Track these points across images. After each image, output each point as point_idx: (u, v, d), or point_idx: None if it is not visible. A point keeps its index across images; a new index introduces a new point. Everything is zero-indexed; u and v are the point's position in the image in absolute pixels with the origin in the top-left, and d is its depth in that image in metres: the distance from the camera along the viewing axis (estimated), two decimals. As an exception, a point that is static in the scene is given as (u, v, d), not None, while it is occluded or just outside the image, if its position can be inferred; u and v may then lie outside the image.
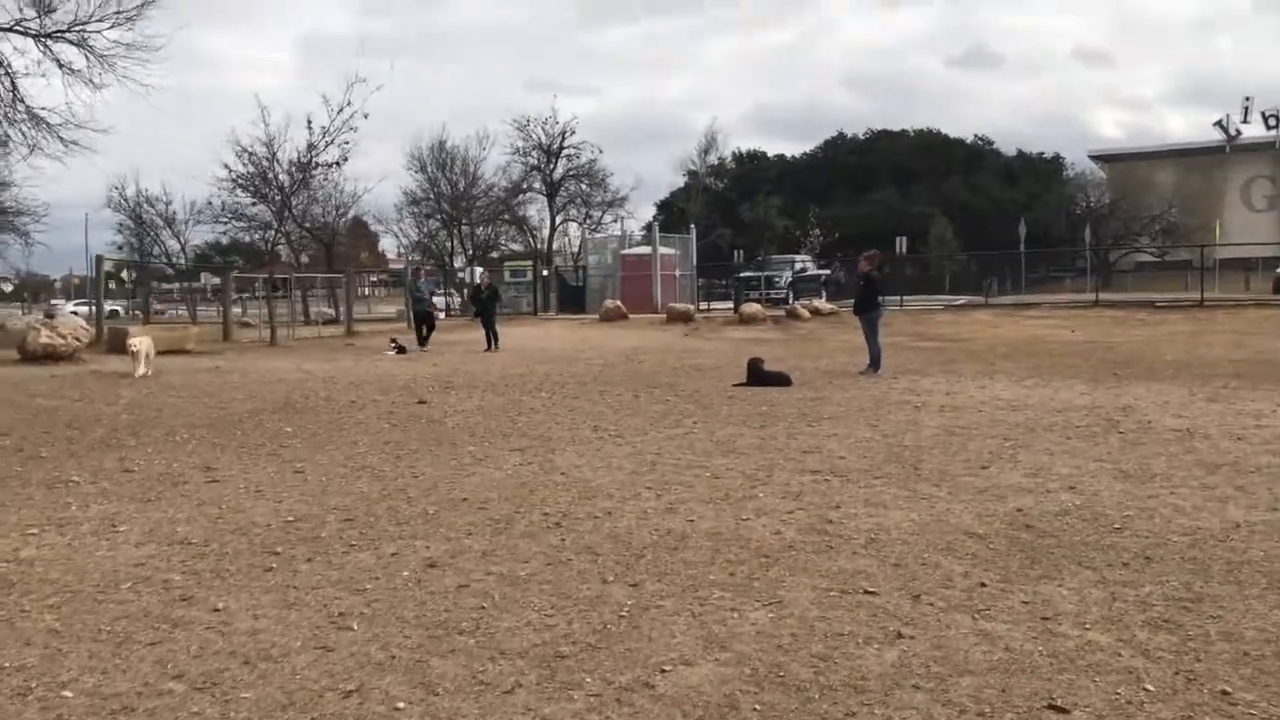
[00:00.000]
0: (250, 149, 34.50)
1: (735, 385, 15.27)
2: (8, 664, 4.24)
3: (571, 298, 41.06)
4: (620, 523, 6.75)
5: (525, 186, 49.60)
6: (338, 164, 33.81)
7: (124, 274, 45.47)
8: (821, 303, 37.21)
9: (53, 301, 70.92)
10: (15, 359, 18.91)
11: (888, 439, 10.02)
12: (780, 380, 15.31)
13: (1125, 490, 7.52)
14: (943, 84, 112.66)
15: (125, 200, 41.16)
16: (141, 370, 16.31)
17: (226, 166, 34.95)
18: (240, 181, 37.86)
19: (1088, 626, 4.70)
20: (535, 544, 6.22)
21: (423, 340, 24.77)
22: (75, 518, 6.94)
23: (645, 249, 39.56)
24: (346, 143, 32.23)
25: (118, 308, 56.33)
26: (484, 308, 25.65)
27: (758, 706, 3.84)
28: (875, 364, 17.05)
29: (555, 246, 53.32)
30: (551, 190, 49.76)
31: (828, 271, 47.25)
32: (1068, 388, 14.14)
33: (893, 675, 4.13)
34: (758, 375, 15.40)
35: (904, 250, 48.11)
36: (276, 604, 5.10)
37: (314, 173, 33.28)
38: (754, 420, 11.47)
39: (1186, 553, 5.87)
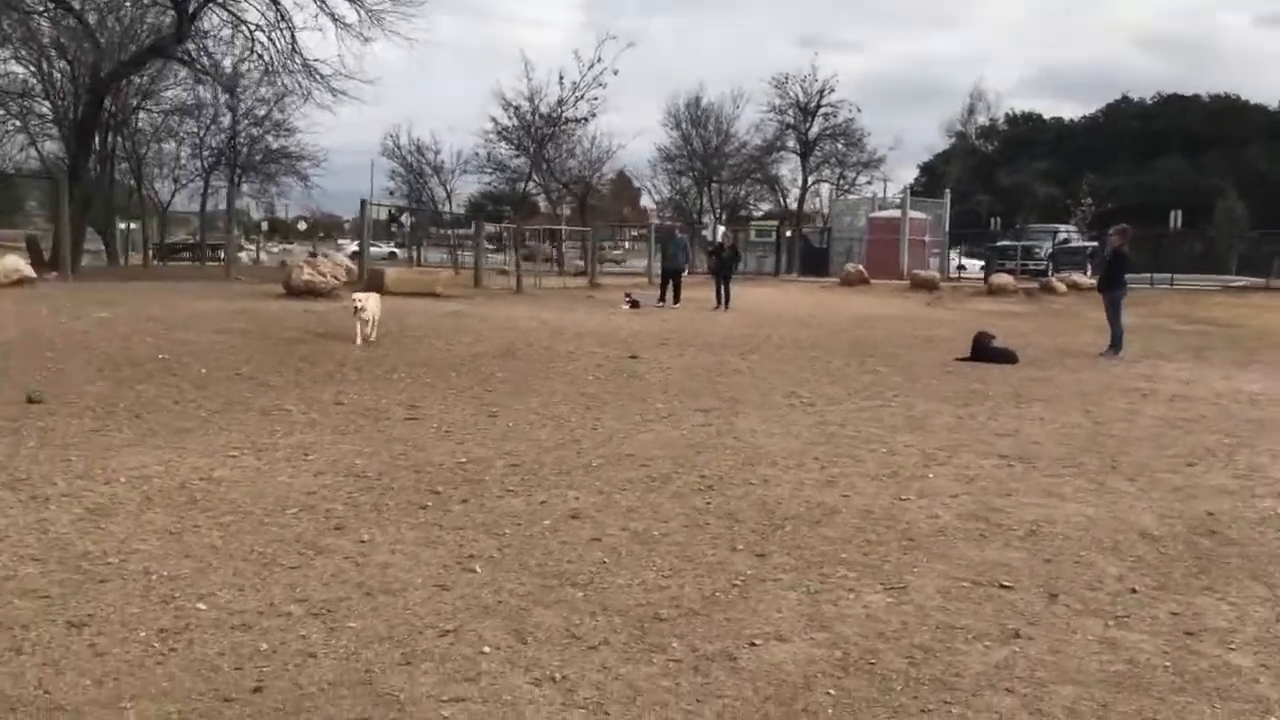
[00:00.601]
0: (514, 103, 35.88)
1: (957, 359, 14.76)
2: (165, 573, 4.71)
3: (815, 260, 40.58)
4: (773, 491, 6.71)
5: (779, 145, 49.09)
6: (586, 119, 34.67)
7: (400, 218, 48.50)
8: (1083, 277, 35.12)
9: (339, 241, 76.44)
10: (281, 294, 20.56)
11: (1097, 427, 9.45)
12: (1006, 357, 14.66)
13: (1350, 503, 6.79)
14: (1249, 44, 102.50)
15: (398, 148, 43.76)
16: (360, 339, 13.55)
17: (493, 119, 36.51)
18: (504, 134, 39.37)
19: (1233, 647, 4.33)
20: (680, 505, 6.29)
21: (663, 297, 25.08)
22: (274, 444, 7.56)
23: (894, 212, 38.50)
24: (595, 98, 33.01)
25: (396, 251, 60.20)
26: (723, 266, 25.70)
27: (833, 691, 3.78)
28: (1116, 345, 16.04)
29: (806, 207, 52.67)
30: (805, 149, 49.08)
31: (1094, 244, 44.52)
32: (1330, 384, 12.81)
33: (990, 675, 3.96)
34: (983, 351, 14.80)
35: (1178, 225, 44.45)
36: (418, 541, 5.40)
37: (563, 127, 34.18)
38: (960, 398, 11.07)
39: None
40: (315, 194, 43.52)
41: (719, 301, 25.04)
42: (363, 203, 25.41)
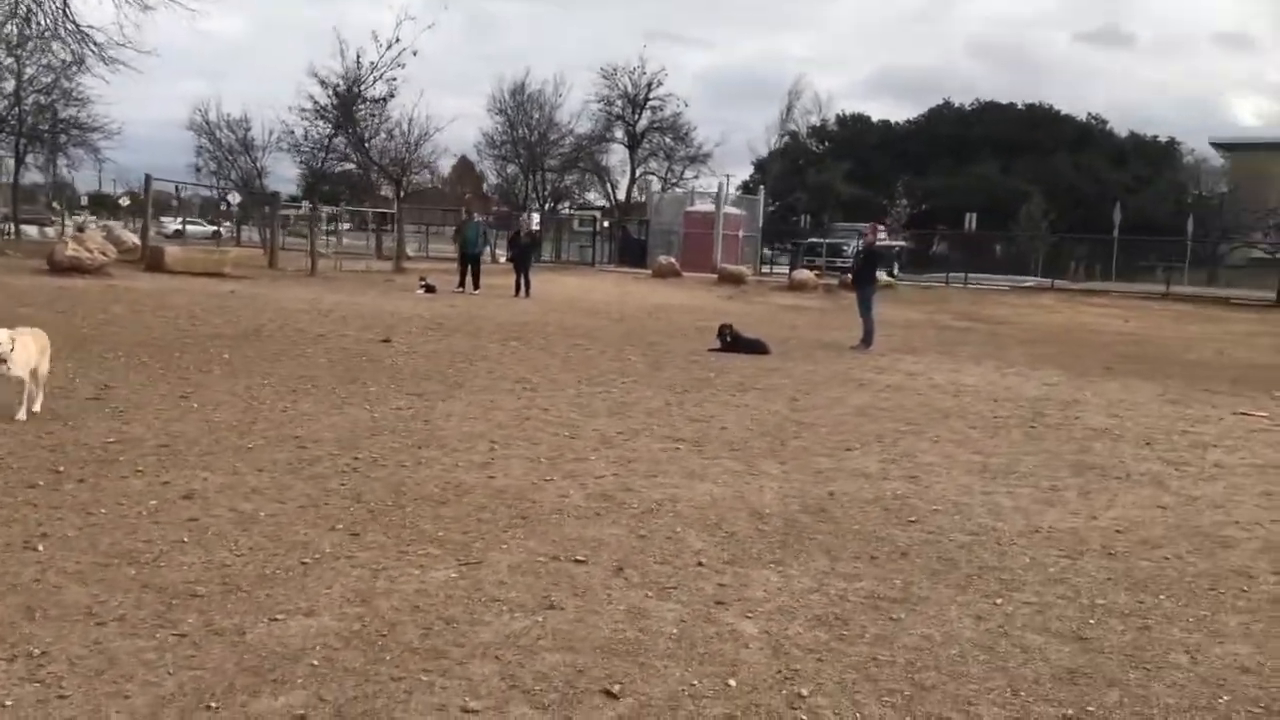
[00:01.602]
0: (328, 81, 35.06)
1: (711, 350, 15.12)
2: None
3: (633, 252, 40.99)
4: (419, 473, 6.77)
5: (607, 135, 49.36)
6: (384, 100, 34.14)
7: (227, 198, 46.73)
8: (884, 275, 36.40)
9: (163, 219, 73.27)
10: (43, 269, 19.66)
11: (793, 414, 9.85)
12: (756, 348, 15.10)
13: (965, 485, 7.28)
14: (1067, 58, 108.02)
15: (207, 123, 42.23)
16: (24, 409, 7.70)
17: (311, 97, 35.57)
18: (321, 112, 38.41)
19: (750, 616, 4.59)
20: (312, 486, 6.29)
21: (462, 283, 24.95)
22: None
23: (709, 207, 39.16)
24: (394, 79, 32.54)
25: (221, 230, 58.11)
26: (521, 254, 25.73)
27: (317, 661, 3.85)
28: (868, 340, 16.73)
29: (635, 199, 53.12)
30: (633, 141, 49.47)
31: (901, 243, 46.31)
32: (1044, 378, 13.68)
33: (491, 645, 4.11)
34: (734, 341, 15.20)
35: (973, 226, 46.69)
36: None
37: (359, 107, 33.59)
38: (684, 386, 11.37)
39: (955, 551, 5.66)
40: (108, 167, 41.49)
41: (518, 289, 25.07)
42: (147, 177, 24.47)
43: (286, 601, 4.41)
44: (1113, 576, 5.42)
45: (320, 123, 34.53)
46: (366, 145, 39.39)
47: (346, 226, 52.64)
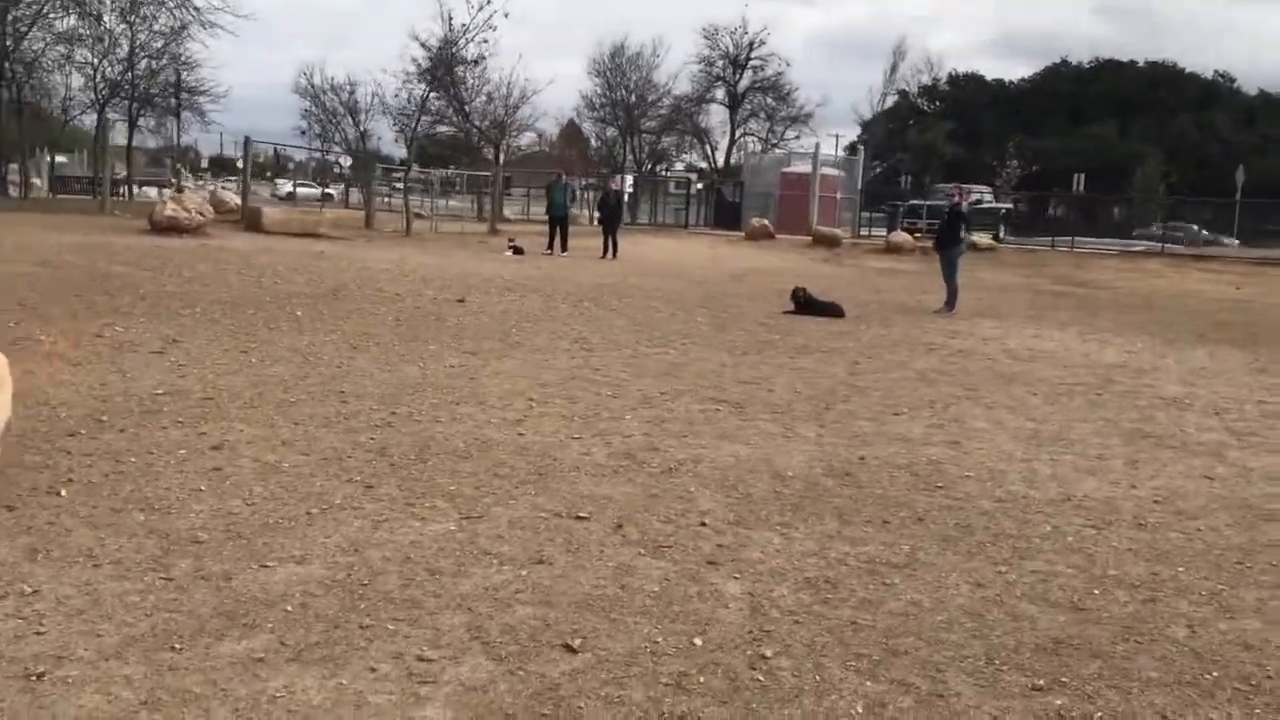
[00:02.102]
0: (426, 42, 35.39)
1: (785, 313, 14.97)
2: None
3: (728, 214, 40.70)
4: (452, 428, 6.88)
5: (708, 96, 48.98)
6: (476, 62, 34.24)
7: (340, 160, 47.76)
8: (984, 238, 35.55)
9: (277, 180, 75.45)
10: (144, 229, 20.41)
11: (848, 378, 9.72)
12: (831, 310, 14.92)
13: (1007, 452, 7.11)
14: (1195, 14, 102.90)
15: (311, 86, 43.06)
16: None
17: (414, 60, 35.94)
18: (422, 74, 38.84)
19: (738, 577, 4.57)
20: (342, 439, 6.44)
21: (551, 245, 25.12)
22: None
23: (806, 168, 38.63)
24: (485, 40, 32.58)
25: (331, 192, 59.60)
26: (609, 216, 25.79)
27: (291, 607, 3.95)
28: (950, 303, 16.38)
29: (735, 161, 52.67)
30: (734, 102, 49.00)
31: (1008, 205, 45.05)
32: (1127, 345, 13.23)
33: (468, 596, 4.16)
34: (808, 304, 15.03)
35: (1081, 187, 45.07)
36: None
37: (456, 69, 33.84)
38: (746, 348, 11.31)
39: (975, 518, 5.55)
40: (217, 130, 42.69)
41: (606, 251, 25.14)
42: (246, 140, 25.18)
43: (282, 550, 4.53)
44: (1135, 547, 5.24)
45: (419, 85, 34.98)
46: (466, 108, 39.77)
47: (455, 189, 53.40)
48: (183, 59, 36.42)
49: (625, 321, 13.01)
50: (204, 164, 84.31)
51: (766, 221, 34.42)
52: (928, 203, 39.83)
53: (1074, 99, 71.42)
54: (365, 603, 4.01)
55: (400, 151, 49.44)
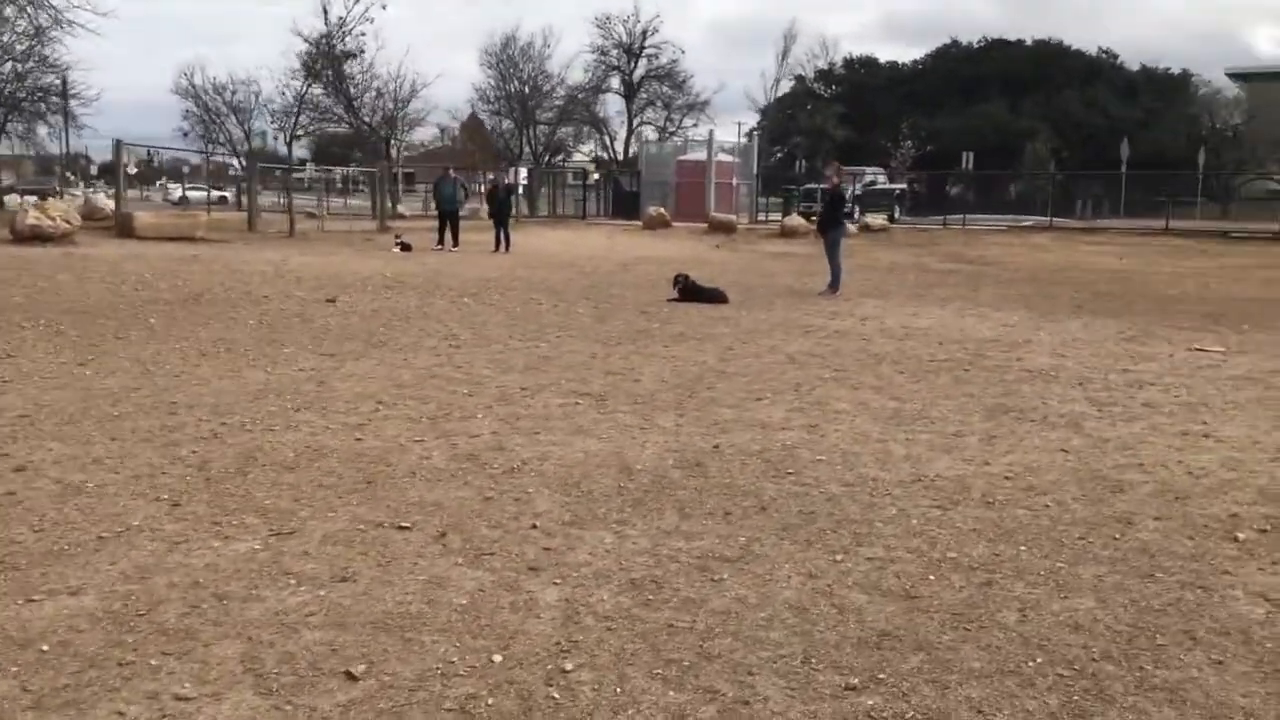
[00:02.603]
0: (308, 37, 34.51)
1: (669, 300, 14.75)
2: None
3: (626, 204, 40.45)
4: (285, 437, 6.50)
5: (603, 86, 48.65)
6: (354, 55, 33.51)
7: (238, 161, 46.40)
8: (879, 219, 35.90)
9: (169, 184, 73.28)
10: (6, 239, 19.44)
11: (719, 365, 9.52)
12: (714, 297, 14.75)
13: (864, 433, 6.95)
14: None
15: (193, 87, 41.80)
16: None
17: (297, 55, 34.99)
18: (308, 69, 37.89)
19: (559, 582, 4.28)
20: (161, 454, 6.04)
21: (441, 240, 24.62)
22: None
23: (702, 155, 38.55)
24: (363, 34, 31.83)
25: (226, 195, 58.03)
26: (500, 209, 25.38)
27: (47, 648, 3.57)
28: (834, 284, 16.33)
29: (635, 151, 52.46)
30: (630, 91, 48.74)
31: (902, 186, 45.60)
32: (1005, 319, 13.28)
33: (250, 622, 3.81)
34: (691, 291, 14.85)
35: (970, 166, 45.85)
36: None
37: (336, 64, 33.03)
38: (620, 338, 11.05)
39: (820, 504, 5.37)
40: (86, 134, 41.05)
41: (498, 244, 24.76)
42: (118, 143, 24.17)
43: (59, 580, 4.14)
44: (979, 527, 5.09)
45: (299, 81, 34.11)
46: (355, 104, 38.92)
47: (358, 187, 52.26)
48: (50, 61, 34.91)
49: (502, 316, 12.67)
50: (94, 170, 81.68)
51: (663, 210, 34.25)
52: (822, 186, 39.94)
53: (965, 79, 72.56)
54: (134, 636, 3.65)
55: (299, 152, 48.35)
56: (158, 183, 77.61)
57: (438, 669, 3.50)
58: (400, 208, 39.78)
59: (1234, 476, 6.02)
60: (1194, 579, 4.44)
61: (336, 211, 39.00)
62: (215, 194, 55.66)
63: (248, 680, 3.37)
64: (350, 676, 3.42)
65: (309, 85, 31.98)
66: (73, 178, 57.76)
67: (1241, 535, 5.00)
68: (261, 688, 3.33)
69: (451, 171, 27.01)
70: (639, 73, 49.22)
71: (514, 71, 49.12)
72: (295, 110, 32.50)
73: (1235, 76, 73.98)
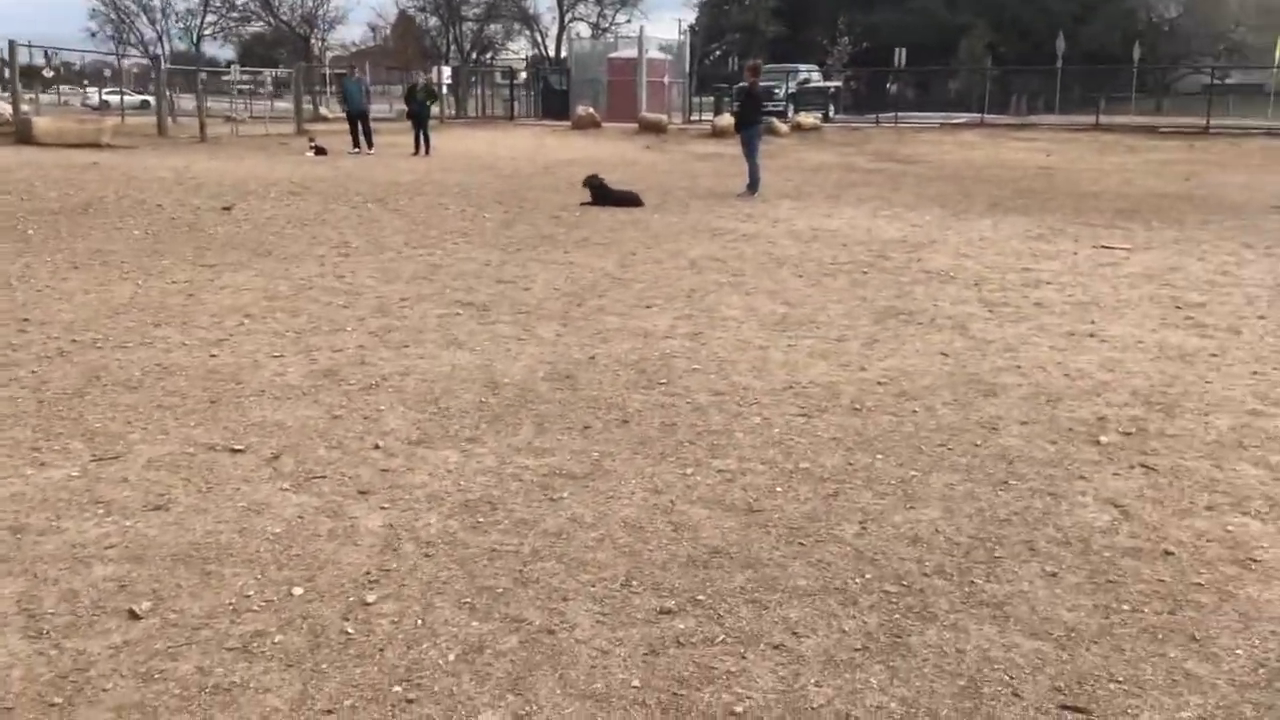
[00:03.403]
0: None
1: (582, 204, 14.39)
2: None
3: (555, 104, 39.53)
4: (136, 354, 6.19)
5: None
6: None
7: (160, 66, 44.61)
8: (811, 117, 35.48)
9: (88, 89, 70.49)
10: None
11: (616, 271, 9.27)
12: (628, 200, 14.40)
13: (746, 340, 6.78)
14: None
15: (101, -15, 39.92)
16: None
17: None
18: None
19: (387, 506, 4.06)
20: (-8, 375, 5.66)
21: (356, 144, 23.87)
22: None
23: (633, 53, 37.64)
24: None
25: (149, 99, 55.83)
26: (419, 110, 24.60)
27: None
28: (753, 186, 16.04)
29: (566, 50, 51.20)
30: (560, -14, 47.33)
31: (836, 84, 45.04)
32: (916, 219, 13.09)
33: (68, 551, 3.54)
34: (603, 195, 14.48)
35: (903, 63, 45.39)
36: None
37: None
38: (521, 244, 10.75)
39: (685, 415, 5.24)
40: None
41: (417, 147, 24.07)
42: (11, 44, 22.98)
43: None
44: (840, 435, 4.94)
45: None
46: (273, 1, 37.45)
47: (286, 89, 50.54)
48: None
49: (403, 222, 12.27)
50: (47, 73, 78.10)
51: (593, 110, 33.50)
52: (762, 84, 39.27)
53: (904, -27, 71.37)
54: (-92, 577, 3.37)
55: (224, 53, 46.63)
56: (79, 87, 74.49)
57: (230, 604, 3.28)
58: (324, 110, 38.53)
59: (1110, 378, 5.93)
60: (1046, 485, 4.33)
61: (262, 115, 37.68)
62: (139, 99, 53.59)
63: (17, 623, 3.15)
64: (133, 615, 3.20)
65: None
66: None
67: (1105, 439, 4.90)
68: (32, 630, 3.11)
69: (356, 71, 26.09)
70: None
71: (439, -34, 47.42)
72: (202, 7, 31.07)
73: (1172, -32, 73.57)
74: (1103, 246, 10.66)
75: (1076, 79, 53.13)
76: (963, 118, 37.91)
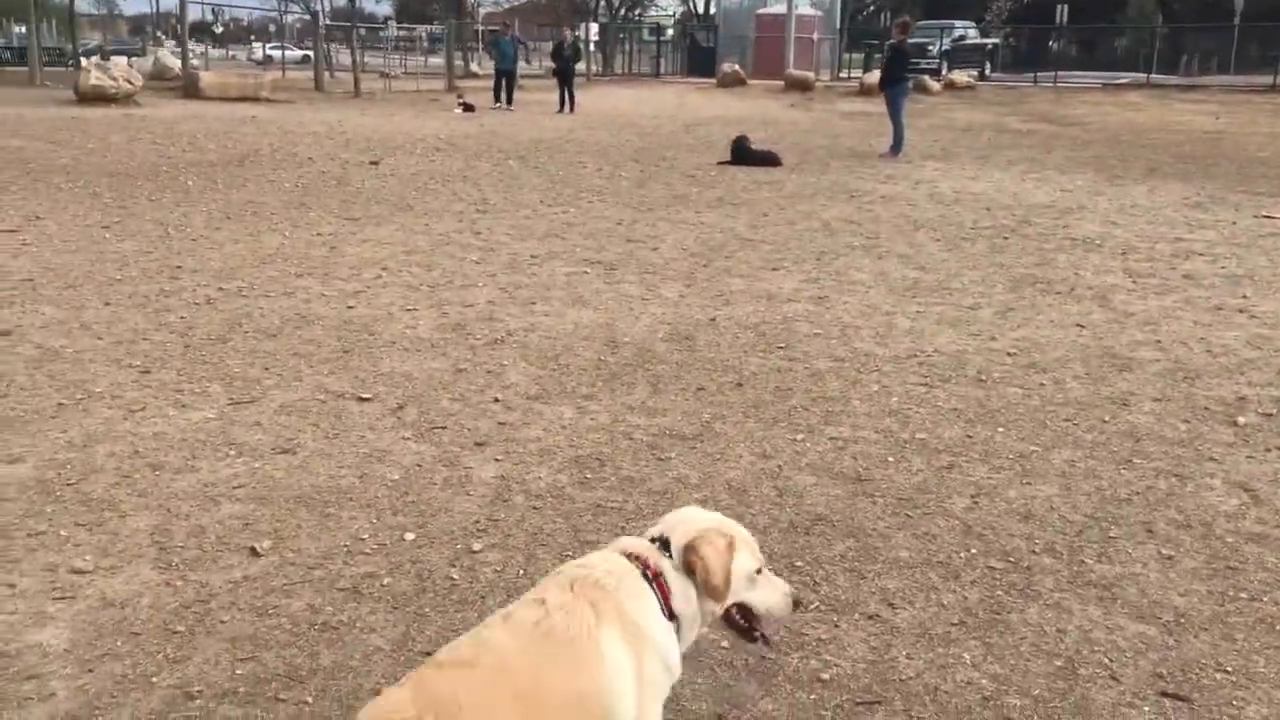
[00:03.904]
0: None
1: (720, 163, 14.35)
2: None
3: (702, 61, 39.27)
4: (278, 303, 6.48)
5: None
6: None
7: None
8: (966, 75, 34.38)
9: (254, 44, 73.14)
10: (70, 100, 19.62)
11: (747, 232, 9.25)
12: (767, 160, 14.29)
13: (874, 305, 6.71)
14: None
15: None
16: None
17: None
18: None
19: (501, 458, 4.18)
20: (147, 319, 6.07)
21: (498, 99, 24.29)
22: None
23: (782, 9, 37.06)
24: None
25: (310, 54, 57.73)
26: (564, 68, 24.83)
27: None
28: (897, 146, 15.70)
29: (714, 8, 50.69)
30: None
31: (994, 41, 43.48)
32: (1066, 184, 12.62)
33: (193, 489, 3.79)
34: (743, 154, 14.39)
35: (1065, 20, 43.33)
36: None
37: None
38: (654, 204, 10.78)
39: (801, 380, 5.23)
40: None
41: (562, 105, 24.32)
42: (182, 1, 24.07)
43: (1, 448, 4.14)
44: (961, 406, 4.85)
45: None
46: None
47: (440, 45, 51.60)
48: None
49: (542, 180, 12.44)
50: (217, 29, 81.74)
51: (739, 67, 33.20)
52: (913, 40, 38.22)
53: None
54: (55, 506, 3.66)
55: (384, 9, 47.73)
56: (249, 40, 77.39)
57: (345, 546, 3.43)
58: (475, 67, 39.19)
59: (1256, 355, 5.64)
60: (1173, 466, 4.17)
61: (415, 71, 38.51)
62: (300, 53, 55.35)
63: (150, 554, 3.35)
64: (254, 553, 3.38)
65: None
66: (163, 36, 57.88)
67: (1242, 420, 4.68)
68: (161, 562, 3.31)
69: (510, 30, 26.38)
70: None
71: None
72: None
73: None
74: (1265, 216, 10.08)
75: (1255, 37, 49.84)
76: (1126, 78, 36.10)
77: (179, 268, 7.34)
